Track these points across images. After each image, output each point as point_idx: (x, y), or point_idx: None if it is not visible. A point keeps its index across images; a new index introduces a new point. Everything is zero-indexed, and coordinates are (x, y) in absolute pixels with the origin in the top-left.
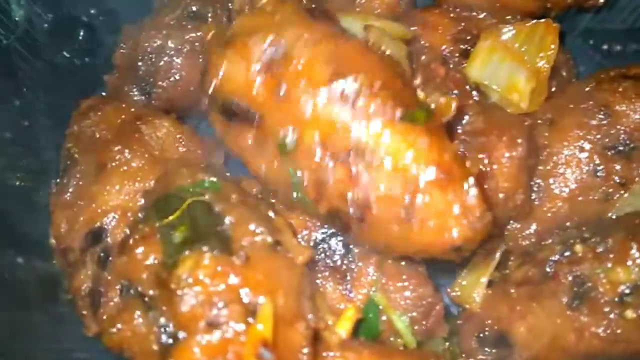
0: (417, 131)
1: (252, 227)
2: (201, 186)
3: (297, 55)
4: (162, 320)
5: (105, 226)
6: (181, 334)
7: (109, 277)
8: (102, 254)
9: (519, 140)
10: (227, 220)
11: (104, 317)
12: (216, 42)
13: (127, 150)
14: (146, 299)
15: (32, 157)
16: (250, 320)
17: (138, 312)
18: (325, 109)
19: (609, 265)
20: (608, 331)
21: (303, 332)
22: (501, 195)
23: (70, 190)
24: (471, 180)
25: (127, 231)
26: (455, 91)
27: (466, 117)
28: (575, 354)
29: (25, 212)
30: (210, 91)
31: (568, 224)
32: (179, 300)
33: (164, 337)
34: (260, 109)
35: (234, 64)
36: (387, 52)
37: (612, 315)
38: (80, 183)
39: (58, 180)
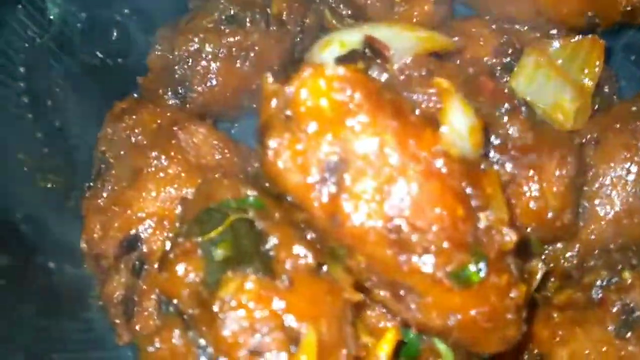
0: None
1: (296, 249)
2: (245, 202)
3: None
4: (202, 341)
5: (141, 234)
6: None
7: (144, 287)
8: (137, 263)
9: (569, 159)
10: (271, 240)
11: (137, 327)
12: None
13: (163, 157)
14: (185, 317)
15: (63, 159)
16: (292, 348)
17: (177, 331)
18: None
19: None
20: None
21: None
22: (550, 215)
23: (104, 195)
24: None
25: (168, 245)
26: (507, 105)
27: (517, 133)
28: None
29: (55, 215)
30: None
31: (611, 246)
32: (221, 324)
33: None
34: (316, 220)
35: (292, 166)
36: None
37: None
38: (115, 188)
39: (91, 184)
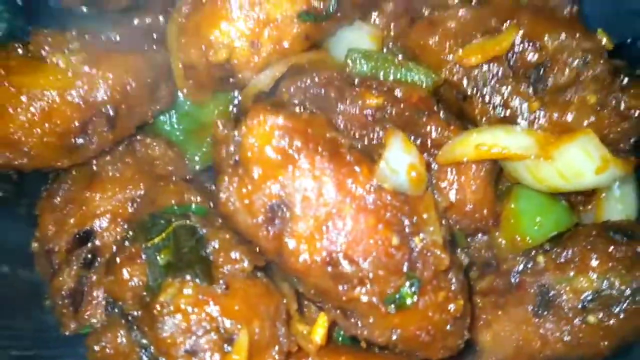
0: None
1: (233, 254)
2: (188, 209)
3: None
4: (144, 342)
5: (95, 229)
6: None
7: (94, 278)
8: (88, 256)
9: None
10: (211, 245)
11: (87, 315)
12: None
13: (119, 164)
14: (130, 318)
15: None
16: (226, 348)
17: (121, 332)
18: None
19: (571, 274)
20: (571, 336)
21: (275, 357)
22: (468, 207)
23: (61, 194)
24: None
25: (114, 249)
26: (426, 111)
27: (435, 132)
28: (540, 359)
29: (7, 222)
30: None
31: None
32: (160, 326)
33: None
34: (267, 255)
35: (240, 208)
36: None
37: (575, 321)
38: (72, 188)
39: (47, 186)
